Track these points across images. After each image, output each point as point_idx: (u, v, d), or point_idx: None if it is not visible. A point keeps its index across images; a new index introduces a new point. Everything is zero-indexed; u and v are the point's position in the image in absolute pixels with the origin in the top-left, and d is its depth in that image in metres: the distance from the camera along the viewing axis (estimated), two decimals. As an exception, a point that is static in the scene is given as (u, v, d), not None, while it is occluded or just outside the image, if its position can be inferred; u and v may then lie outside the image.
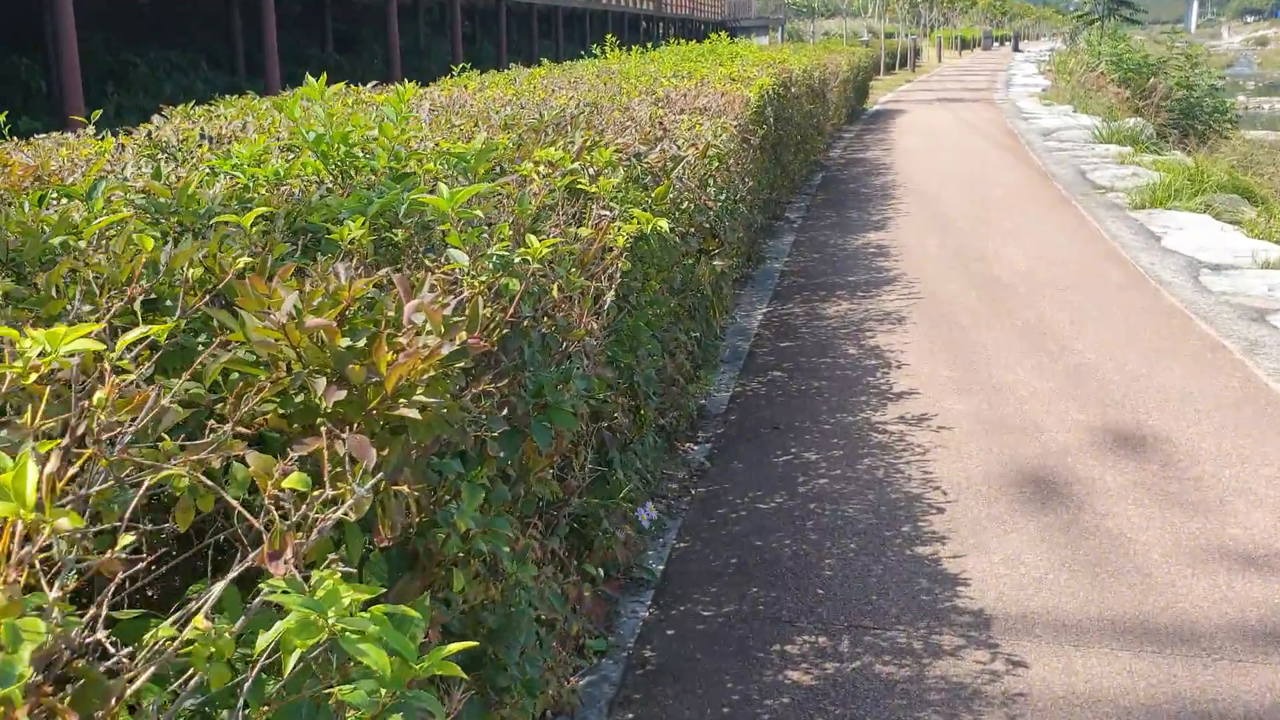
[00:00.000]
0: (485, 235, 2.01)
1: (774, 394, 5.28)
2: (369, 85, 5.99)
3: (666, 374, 3.76)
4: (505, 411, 1.89)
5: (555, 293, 2.10)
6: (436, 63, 19.90)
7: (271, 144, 2.72)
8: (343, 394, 1.37)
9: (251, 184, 2.26)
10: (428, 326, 1.46)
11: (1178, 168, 12.67)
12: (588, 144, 2.93)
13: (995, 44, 73.46)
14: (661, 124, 3.85)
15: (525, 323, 1.93)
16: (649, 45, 13.64)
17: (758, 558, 3.62)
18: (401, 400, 1.39)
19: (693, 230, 4.02)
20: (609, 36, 10.49)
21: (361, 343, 1.43)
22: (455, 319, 1.54)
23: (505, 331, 1.80)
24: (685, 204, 3.82)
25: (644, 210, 2.57)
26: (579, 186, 2.54)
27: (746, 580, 3.47)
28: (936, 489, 4.12)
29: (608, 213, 2.39)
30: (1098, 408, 4.97)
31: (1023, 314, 6.60)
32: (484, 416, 1.76)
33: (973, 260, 8.25)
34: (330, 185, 2.33)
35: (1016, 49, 64.62)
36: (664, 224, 2.34)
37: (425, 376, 1.41)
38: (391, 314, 1.51)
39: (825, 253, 8.80)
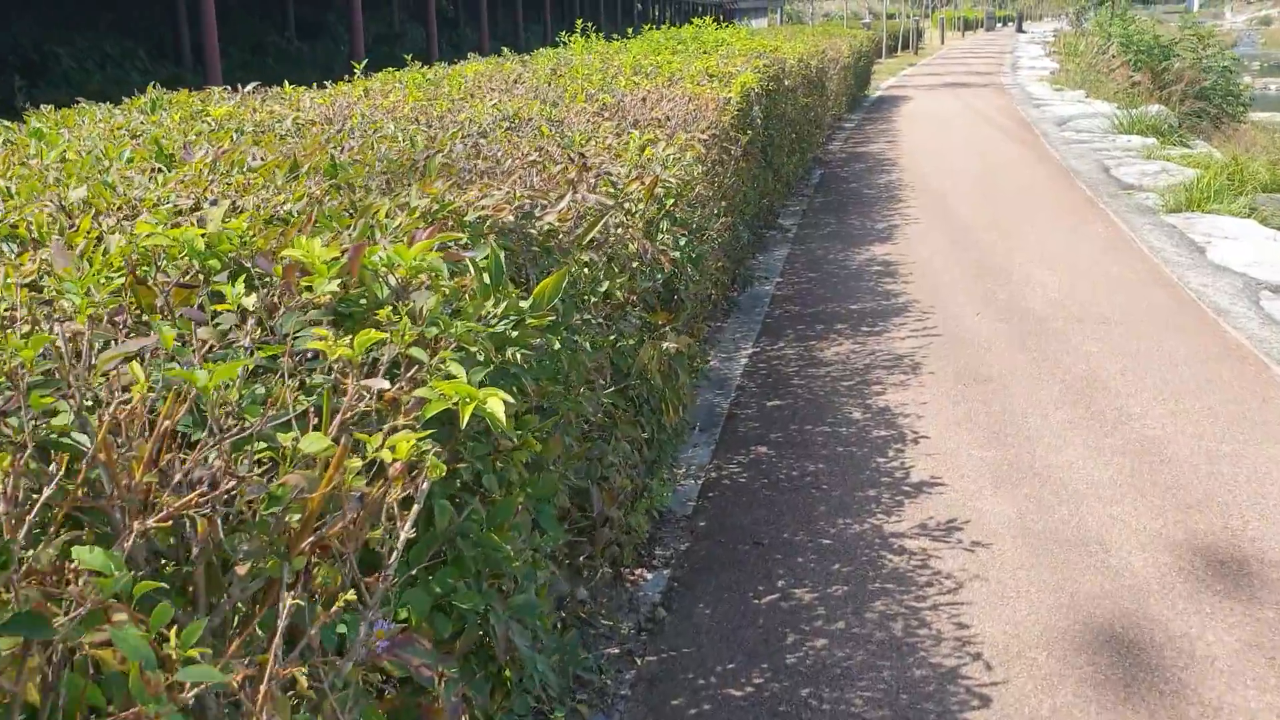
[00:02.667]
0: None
1: (757, 484, 4.12)
2: (248, 88, 4.83)
3: (591, 514, 2.61)
4: None
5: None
6: (410, 49, 18.65)
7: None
8: None
9: None
10: None
11: (1213, 164, 11.48)
12: (382, 223, 1.71)
13: (998, 25, 72.01)
14: (582, 156, 2.70)
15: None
16: (643, 29, 12.45)
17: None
18: None
19: (633, 300, 2.86)
20: (579, 22, 9.28)
21: None
22: None
23: None
24: (615, 275, 2.66)
25: (485, 345, 1.43)
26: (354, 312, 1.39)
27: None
28: (976, 657, 2.97)
29: (386, 385, 1.24)
30: (1177, 510, 3.81)
31: (1064, 361, 5.44)
32: None
33: (995, 281, 7.08)
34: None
35: (1020, 30, 63.17)
36: (498, 405, 1.20)
37: None
38: None
39: (823, 270, 7.63)
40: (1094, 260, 7.67)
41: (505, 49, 9.15)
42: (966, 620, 3.15)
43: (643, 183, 2.97)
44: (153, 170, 2.20)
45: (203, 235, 1.48)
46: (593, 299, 2.36)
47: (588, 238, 2.26)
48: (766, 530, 3.73)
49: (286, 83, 5.41)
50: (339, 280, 1.39)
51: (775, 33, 14.38)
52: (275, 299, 1.40)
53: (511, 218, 2.01)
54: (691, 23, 9.91)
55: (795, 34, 15.25)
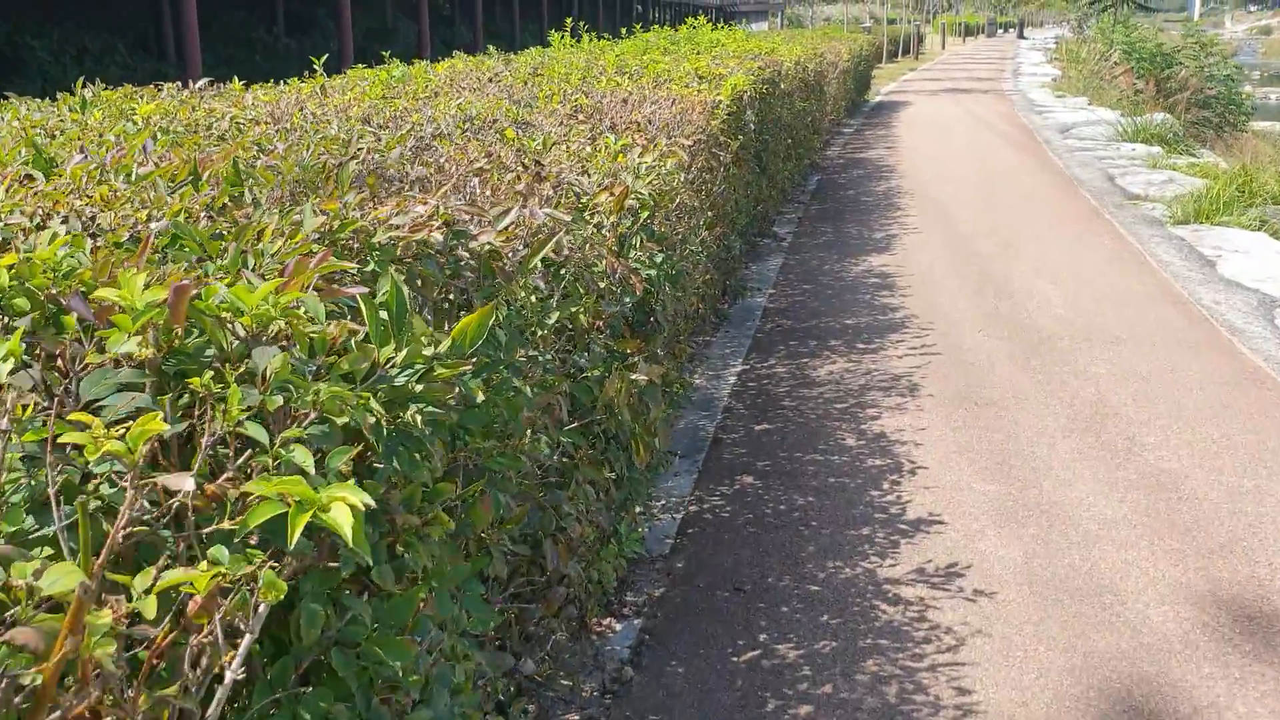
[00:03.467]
0: None
1: (741, 519, 3.80)
2: (199, 84, 4.51)
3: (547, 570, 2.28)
4: None
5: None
6: (402, 46, 18.34)
7: None
8: None
9: None
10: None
11: (1221, 175, 11.18)
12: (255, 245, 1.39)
13: (999, 31, 71.82)
14: (538, 164, 2.38)
15: None
16: (641, 30, 12.09)
17: None
18: None
19: (599, 325, 2.54)
20: (568, 20, 8.95)
21: None
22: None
23: None
24: (580, 297, 2.34)
25: (362, 411, 1.11)
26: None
27: None
28: (980, 730, 2.65)
29: (190, 485, 0.91)
30: (1198, 556, 3.49)
31: (1071, 384, 5.12)
32: None
33: (998, 296, 6.76)
34: None
35: (1021, 36, 62.93)
36: (344, 515, 0.88)
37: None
38: None
39: (818, 282, 7.31)
40: (1100, 273, 7.36)
41: (492, 48, 8.84)
42: (968, 684, 2.82)
43: (612, 194, 2.65)
44: (21, 179, 1.87)
45: (9, 267, 1.16)
46: (540, 331, 2.04)
47: (533, 261, 1.93)
48: (750, 573, 3.41)
49: (272, 79, 5.10)
50: (156, 330, 1.07)
51: (773, 36, 14.06)
52: (69, 355, 1.08)
53: (440, 237, 1.69)
54: (685, 23, 9.59)
55: (794, 37, 14.94)
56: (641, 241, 2.85)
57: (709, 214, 4.89)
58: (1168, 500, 3.89)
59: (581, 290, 2.49)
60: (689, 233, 4.20)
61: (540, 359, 2.03)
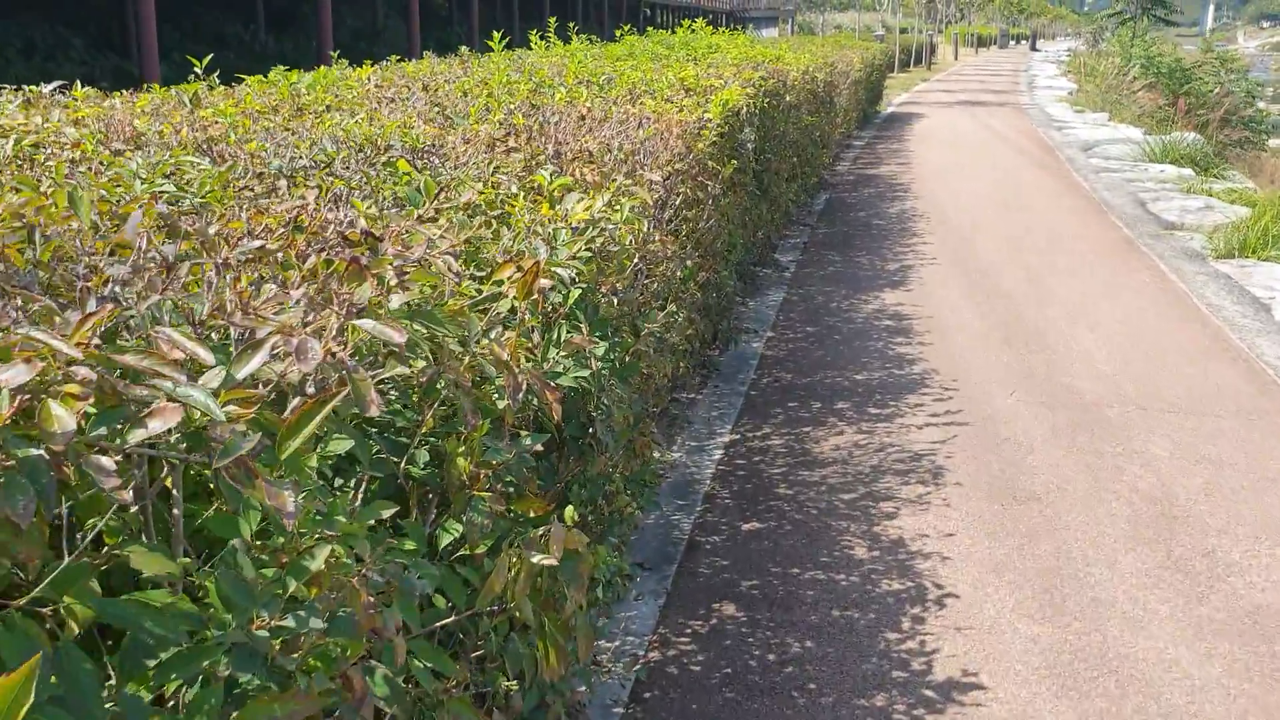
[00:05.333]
0: None
1: (716, 676, 2.90)
2: (49, 87, 3.64)
3: None
4: None
5: None
6: (391, 48, 17.48)
7: None
8: None
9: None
10: None
11: (1262, 202, 10.28)
12: None
13: (1012, 42, 71.02)
14: (369, 239, 1.50)
15: None
16: (645, 31, 11.21)
17: None
18: None
19: (484, 477, 1.66)
20: (551, 20, 8.08)
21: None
22: None
23: None
24: (455, 447, 1.47)
25: None
26: None
27: None
28: None
29: None
30: (1329, 753, 2.60)
31: (1126, 470, 4.22)
32: None
33: (1029, 347, 5.87)
34: None
35: (1034, 48, 62.11)
36: None
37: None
38: None
39: (824, 324, 6.42)
40: (1143, 320, 6.47)
41: (464, 49, 7.97)
42: None
43: (521, 268, 1.77)
44: None
45: None
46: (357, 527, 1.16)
47: (287, 451, 1.05)
48: (722, 772, 2.52)
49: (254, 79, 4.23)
50: None
51: (780, 43, 13.17)
52: None
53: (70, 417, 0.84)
54: (681, 25, 8.69)
55: (803, 44, 14.06)
56: (564, 335, 1.97)
57: (694, 258, 4.00)
58: (1272, 656, 2.99)
59: (459, 428, 1.61)
60: (664, 287, 3.32)
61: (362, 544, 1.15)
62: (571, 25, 9.88)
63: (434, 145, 2.65)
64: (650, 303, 3.19)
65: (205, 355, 1.04)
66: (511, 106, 3.53)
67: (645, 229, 2.65)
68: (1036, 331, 6.19)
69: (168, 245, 1.34)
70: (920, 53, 38.48)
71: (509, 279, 1.82)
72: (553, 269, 1.87)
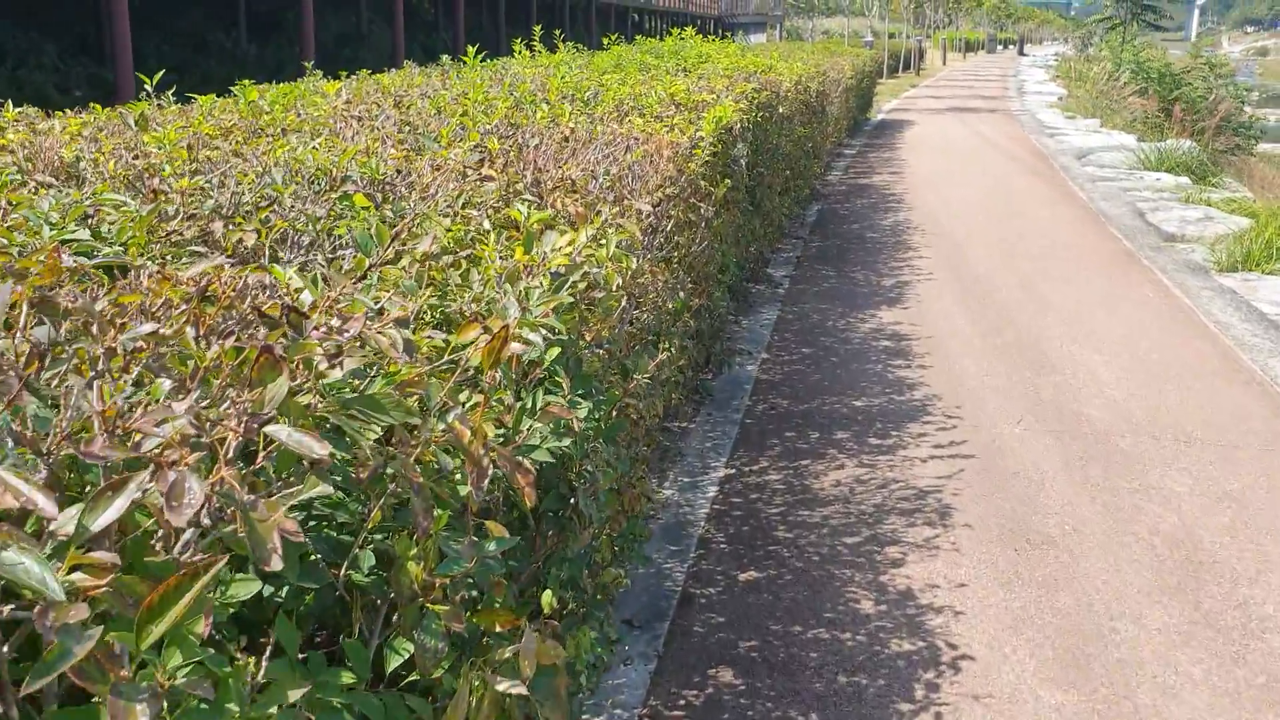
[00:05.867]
0: None
1: (714, 751, 2.64)
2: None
3: None
4: None
5: None
6: (375, 53, 17.20)
7: None
8: None
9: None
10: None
11: (1264, 213, 10.08)
12: None
13: (999, 47, 71.12)
14: (288, 316, 1.24)
15: None
16: (650, 41, 10.92)
17: None
18: None
19: (436, 586, 1.39)
20: (536, 28, 7.81)
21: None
22: None
23: None
24: (409, 553, 1.21)
25: None
26: None
27: None
28: None
29: None
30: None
31: (1145, 509, 3.98)
32: None
33: (1035, 370, 5.62)
34: None
35: (1022, 53, 62.14)
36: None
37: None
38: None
39: (820, 344, 6.17)
40: (1150, 339, 6.24)
41: (446, 57, 7.71)
42: None
43: (490, 331, 1.51)
44: None
45: None
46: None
47: (156, 631, 0.80)
48: None
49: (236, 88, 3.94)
50: None
51: (771, 50, 12.94)
52: None
53: None
54: (671, 34, 8.40)
55: (792, 51, 13.82)
56: (540, 404, 1.70)
57: (686, 286, 3.75)
58: (1319, 727, 2.74)
59: (409, 533, 1.35)
60: (654, 320, 3.06)
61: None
62: (558, 33, 9.61)
63: (400, 173, 2.37)
64: (641, 337, 2.93)
65: (45, 505, 0.77)
66: (488, 127, 3.26)
67: (634, 264, 2.39)
68: (1040, 352, 5.95)
69: (40, 328, 1.07)
70: (909, 58, 38.36)
71: (475, 343, 1.56)
72: (525, 331, 1.60)
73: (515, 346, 1.55)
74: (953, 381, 5.46)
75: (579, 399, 1.94)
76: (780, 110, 6.90)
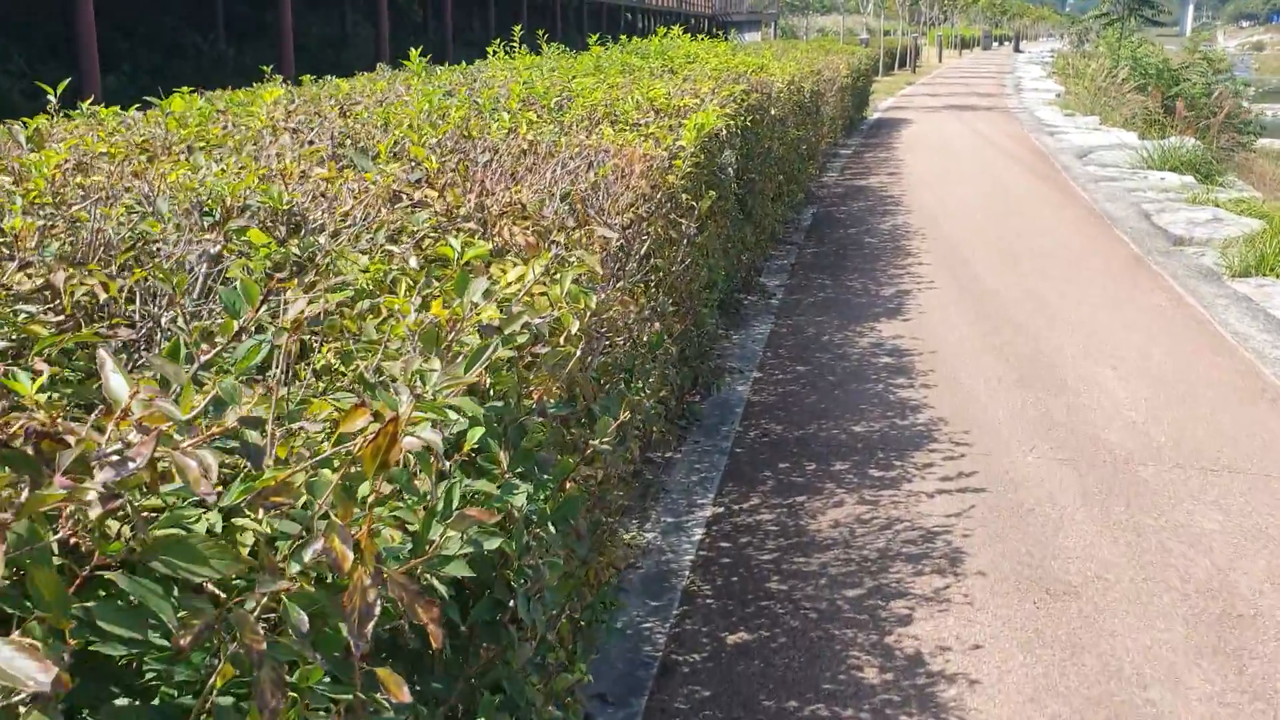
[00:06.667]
0: None
1: None
2: None
3: None
4: None
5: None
6: (359, 54, 16.81)
7: None
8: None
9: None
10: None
11: (1276, 215, 9.73)
12: None
13: (995, 44, 70.82)
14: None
15: None
16: (627, 40, 10.53)
17: None
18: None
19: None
20: (516, 28, 7.44)
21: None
22: None
23: None
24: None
25: None
26: None
27: None
28: None
29: None
30: None
31: (1175, 551, 3.61)
32: None
33: (1045, 389, 5.26)
34: None
35: (1017, 49, 61.82)
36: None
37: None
38: None
39: (816, 362, 5.80)
40: (1166, 353, 5.88)
41: (408, 61, 7.34)
42: None
43: (368, 440, 1.14)
44: None
45: None
46: None
47: None
48: None
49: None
50: None
51: (764, 49, 12.56)
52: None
53: None
54: (657, 33, 8.00)
55: (786, 50, 13.45)
56: (456, 503, 1.33)
57: (668, 310, 3.38)
58: (1394, 826, 2.38)
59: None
60: (628, 356, 2.70)
61: None
62: (541, 33, 9.23)
63: (325, 197, 2.00)
64: (611, 375, 2.57)
65: None
66: (435, 140, 2.88)
67: (594, 303, 2.02)
68: (1051, 368, 5.59)
69: None
70: (904, 56, 38.01)
71: (363, 435, 1.19)
72: (421, 428, 1.23)
73: (411, 442, 1.19)
74: (959, 403, 5.09)
75: (517, 480, 1.57)
76: (772, 112, 6.53)
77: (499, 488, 1.54)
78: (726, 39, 14.08)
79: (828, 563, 3.55)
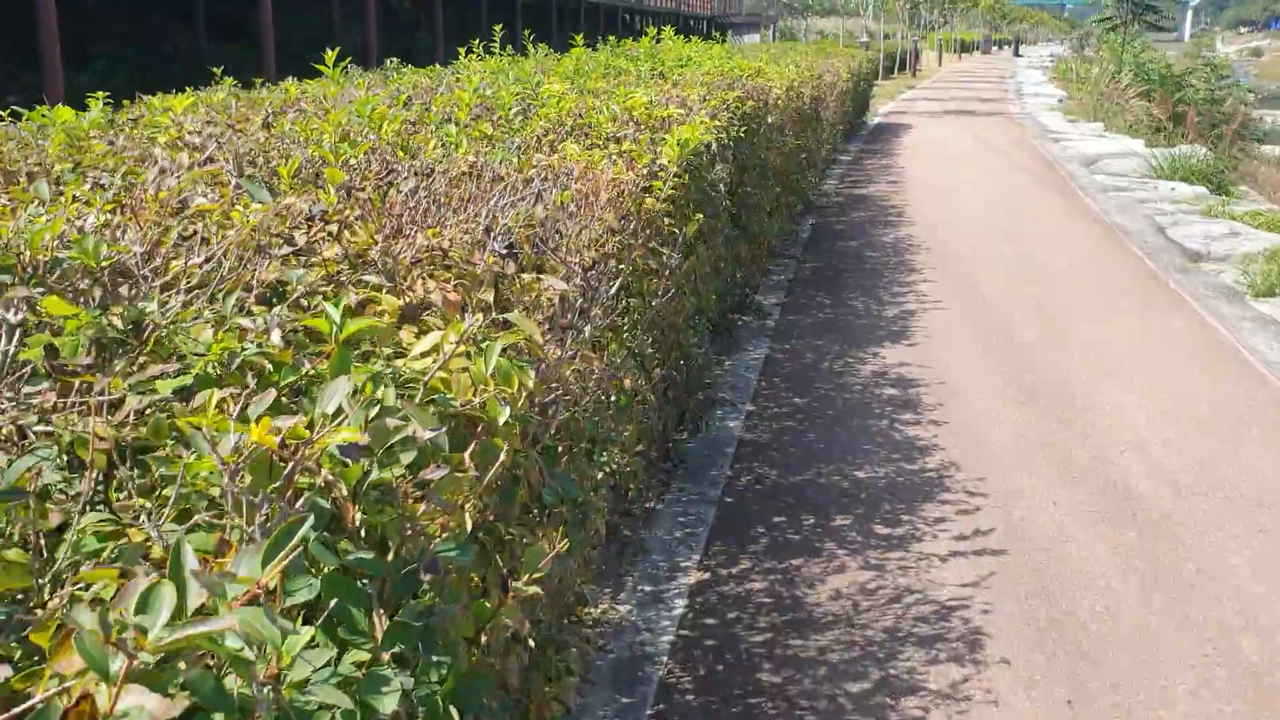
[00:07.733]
0: None
1: None
2: None
3: None
4: None
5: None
6: (346, 55, 16.28)
7: None
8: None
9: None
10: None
11: (1297, 227, 9.28)
12: None
13: (995, 48, 70.39)
14: None
15: None
16: (625, 42, 10.07)
17: None
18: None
19: None
20: (497, 28, 6.96)
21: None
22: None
23: None
24: None
25: None
26: None
27: None
28: None
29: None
30: None
31: (1228, 629, 3.14)
32: None
33: (1065, 426, 4.79)
34: None
35: (1017, 54, 61.37)
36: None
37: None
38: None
39: (815, 393, 5.33)
40: (1192, 383, 5.42)
41: (395, 60, 6.89)
42: None
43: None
44: None
45: None
46: None
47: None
48: None
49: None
50: None
51: (761, 52, 12.09)
52: None
53: None
54: (646, 33, 7.52)
55: (785, 53, 12.98)
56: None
57: (647, 356, 2.90)
58: None
59: None
60: (591, 420, 2.23)
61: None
62: (527, 33, 8.76)
63: (186, 241, 1.53)
64: (569, 447, 2.10)
65: None
66: (355, 160, 2.40)
67: (532, 381, 1.55)
68: (1070, 403, 5.12)
69: None
70: (905, 59, 37.57)
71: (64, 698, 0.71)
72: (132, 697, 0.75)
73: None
74: (971, 443, 4.62)
75: (390, 671, 1.09)
76: (769, 120, 6.06)
77: (358, 687, 1.06)
78: (725, 41, 13.62)
79: (828, 646, 3.08)
